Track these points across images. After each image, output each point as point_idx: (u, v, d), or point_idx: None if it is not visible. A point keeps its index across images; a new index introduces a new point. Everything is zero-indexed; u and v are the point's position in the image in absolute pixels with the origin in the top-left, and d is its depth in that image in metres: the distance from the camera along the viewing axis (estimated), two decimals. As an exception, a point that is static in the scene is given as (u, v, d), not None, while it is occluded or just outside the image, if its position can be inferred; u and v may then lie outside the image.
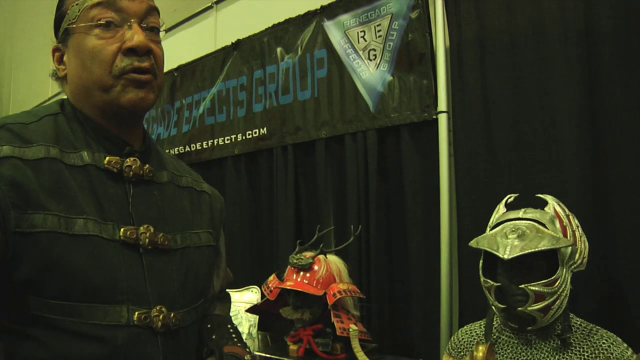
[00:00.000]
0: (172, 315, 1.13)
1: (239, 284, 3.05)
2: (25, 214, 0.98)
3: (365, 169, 2.76)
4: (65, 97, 1.21)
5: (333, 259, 2.38)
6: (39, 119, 1.11)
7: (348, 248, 2.58)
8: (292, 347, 2.35)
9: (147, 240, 1.11)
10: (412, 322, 2.58)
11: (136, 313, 1.06)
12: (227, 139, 3.49)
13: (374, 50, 2.78)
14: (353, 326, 2.14)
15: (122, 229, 1.08)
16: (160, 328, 1.09)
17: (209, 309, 1.45)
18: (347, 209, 2.81)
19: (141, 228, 1.11)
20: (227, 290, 1.56)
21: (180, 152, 3.79)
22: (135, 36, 1.11)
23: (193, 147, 3.71)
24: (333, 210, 2.92)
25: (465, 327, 2.05)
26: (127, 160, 1.15)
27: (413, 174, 2.61)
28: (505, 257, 1.66)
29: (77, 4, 1.13)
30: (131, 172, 1.15)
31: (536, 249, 1.64)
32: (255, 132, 3.31)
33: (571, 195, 2.07)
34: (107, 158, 1.12)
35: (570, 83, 2.16)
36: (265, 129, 3.26)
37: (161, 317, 1.10)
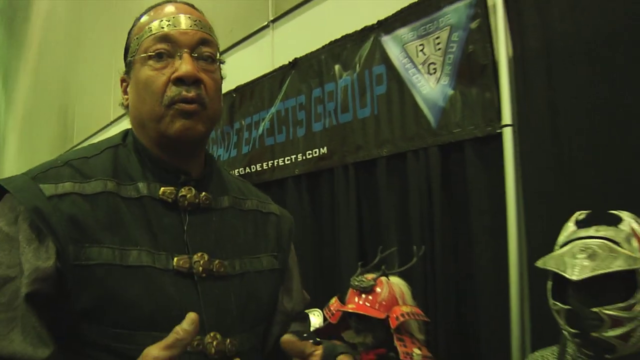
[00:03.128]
0: (227, 341, 1.14)
1: (302, 308, 3.02)
2: (83, 248, 1.04)
3: (428, 187, 2.72)
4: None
5: (396, 280, 2.32)
6: (101, 151, 1.19)
7: (412, 270, 2.51)
8: (355, 372, 2.30)
9: (200, 268, 1.14)
10: (481, 346, 2.51)
11: None
12: (288, 159, 3.52)
13: (434, 64, 2.75)
14: (417, 350, 2.08)
15: (175, 258, 1.12)
16: (215, 355, 1.11)
17: (282, 330, 1.42)
18: (410, 229, 2.77)
19: (195, 256, 1.14)
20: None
21: (241, 173, 3.82)
22: (183, 65, 1.15)
23: (253, 168, 3.75)
24: (396, 230, 2.88)
25: (536, 352, 1.96)
26: (182, 189, 1.19)
27: (478, 191, 2.56)
28: (574, 278, 1.58)
29: (137, 37, 1.21)
30: (186, 202, 1.18)
31: (608, 270, 1.55)
32: (316, 152, 3.33)
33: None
34: (162, 189, 1.16)
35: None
36: (325, 148, 3.28)
37: (215, 343, 1.11)
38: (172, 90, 1.14)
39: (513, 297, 2.37)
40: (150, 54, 1.17)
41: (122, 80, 1.27)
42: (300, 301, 1.48)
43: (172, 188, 1.18)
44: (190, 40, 1.18)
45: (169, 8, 1.23)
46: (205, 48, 1.21)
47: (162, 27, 1.18)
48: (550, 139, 2.32)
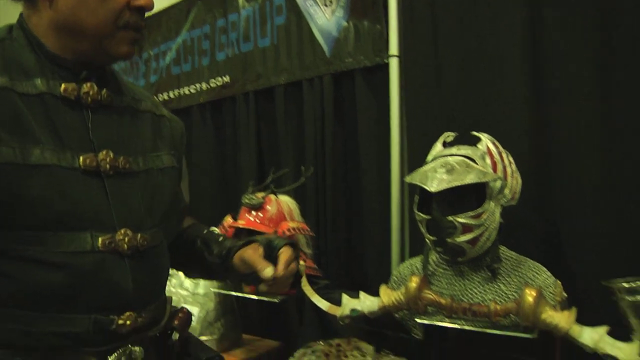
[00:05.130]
0: (139, 236, 1.12)
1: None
2: None
3: (321, 113, 2.76)
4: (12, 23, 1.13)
5: (284, 198, 2.39)
6: None
7: (305, 188, 2.62)
8: (246, 283, 2.36)
9: (107, 165, 1.09)
10: (365, 258, 2.62)
11: (100, 238, 1.05)
12: (193, 88, 3.46)
13: (330, -5, 2.74)
14: (301, 262, 2.14)
15: (81, 157, 1.05)
16: (127, 250, 1.09)
17: (183, 223, 1.46)
18: (305, 152, 2.82)
19: (100, 154, 1.08)
20: None
21: (149, 101, 3.72)
22: None
23: (161, 97, 3.65)
24: (293, 153, 2.92)
25: (406, 261, 2.09)
26: (84, 86, 1.10)
27: (367, 116, 2.62)
28: (432, 190, 1.67)
29: None
30: (89, 99, 1.10)
31: (462, 183, 1.65)
32: (219, 81, 3.29)
33: (513, 134, 2.06)
34: (63, 86, 1.07)
35: (515, 27, 2.13)
36: (228, 77, 3.24)
37: (126, 240, 1.09)
38: (129, 16, 1.08)
39: (394, 212, 2.47)
40: None
41: None
42: (184, 197, 1.48)
43: (74, 84, 1.08)
44: None
45: None
46: None
47: None
48: (432, 68, 2.38)
